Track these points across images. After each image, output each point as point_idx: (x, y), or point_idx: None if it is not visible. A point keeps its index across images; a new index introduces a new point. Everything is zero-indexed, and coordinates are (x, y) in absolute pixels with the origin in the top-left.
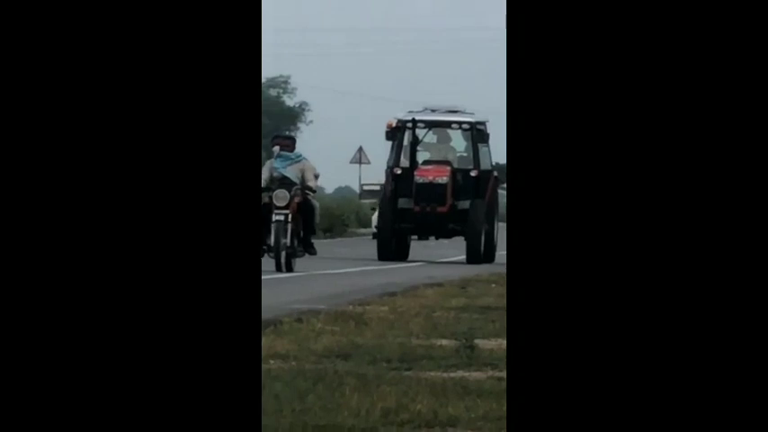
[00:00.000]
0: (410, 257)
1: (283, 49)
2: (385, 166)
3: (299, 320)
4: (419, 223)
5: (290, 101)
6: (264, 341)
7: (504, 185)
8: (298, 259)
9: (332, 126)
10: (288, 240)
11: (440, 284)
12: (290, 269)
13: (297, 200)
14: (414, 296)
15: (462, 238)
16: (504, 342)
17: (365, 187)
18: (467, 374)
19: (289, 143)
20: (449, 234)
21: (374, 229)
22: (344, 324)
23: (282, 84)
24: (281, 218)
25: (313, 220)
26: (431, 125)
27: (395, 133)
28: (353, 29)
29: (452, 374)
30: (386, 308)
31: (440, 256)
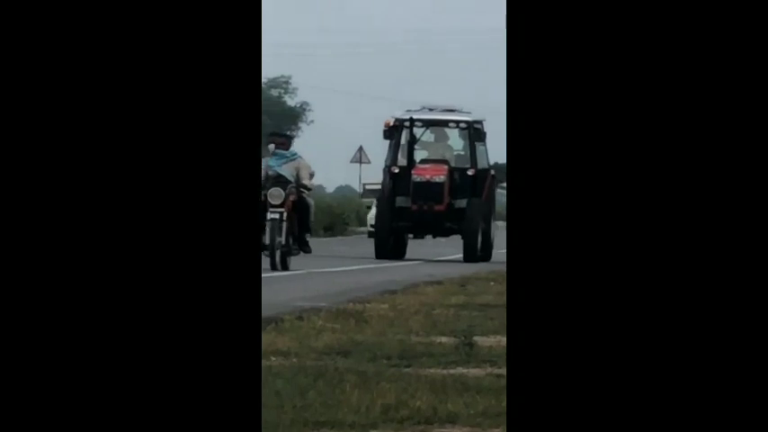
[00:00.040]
0: (407, 256)
1: (284, 50)
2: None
3: (301, 318)
4: (416, 222)
5: (291, 101)
6: (266, 338)
7: (503, 184)
8: (298, 257)
9: (332, 126)
10: (283, 239)
11: (439, 282)
12: (285, 267)
13: (292, 198)
14: (414, 294)
15: (459, 236)
16: (503, 339)
17: (367, 186)
18: (466, 371)
19: (284, 141)
20: (446, 233)
21: (370, 228)
22: (345, 321)
23: (283, 84)
24: (276, 216)
25: (308, 218)
26: (428, 124)
27: (392, 132)
28: (353, 30)
29: (452, 371)
30: (386, 305)
31: (436, 255)
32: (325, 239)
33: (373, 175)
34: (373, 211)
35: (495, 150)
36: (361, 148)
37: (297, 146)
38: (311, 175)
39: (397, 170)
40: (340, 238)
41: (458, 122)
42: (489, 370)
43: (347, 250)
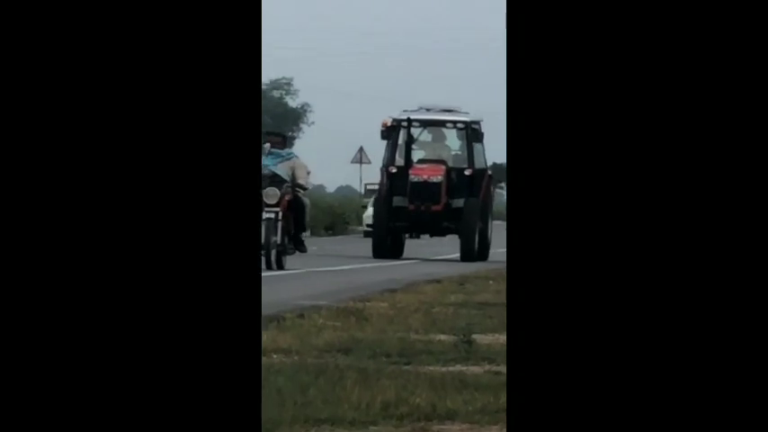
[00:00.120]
0: (404, 255)
1: (285, 52)
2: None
3: (302, 316)
4: (414, 221)
5: (292, 102)
6: (268, 336)
7: (501, 184)
8: (296, 257)
9: (333, 127)
10: (278, 238)
11: (438, 281)
12: (280, 267)
13: (287, 198)
14: (413, 292)
15: (456, 235)
16: (501, 337)
17: (368, 187)
18: (465, 369)
19: (279, 140)
20: (443, 232)
21: (366, 227)
22: (345, 319)
23: (285, 85)
24: (272, 216)
25: (303, 217)
26: (426, 124)
27: (390, 132)
28: (354, 31)
29: (451, 369)
30: (386, 304)
31: (433, 254)
32: (325, 239)
33: (374, 176)
34: (369, 210)
35: (491, 150)
36: (361, 149)
37: (298, 146)
38: (307, 175)
39: (394, 170)
40: (341, 237)
41: (455, 123)
42: (488, 367)
43: (344, 249)
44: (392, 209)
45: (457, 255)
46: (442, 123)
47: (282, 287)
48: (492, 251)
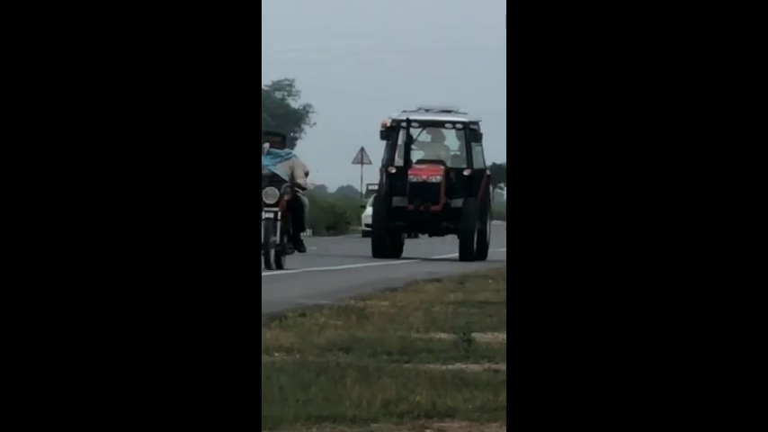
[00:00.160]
0: (403, 255)
1: (287, 54)
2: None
3: (303, 315)
4: (413, 221)
5: (294, 103)
6: (270, 335)
7: (500, 184)
8: (297, 257)
9: (335, 127)
10: (277, 238)
11: (438, 280)
12: (279, 266)
13: (286, 197)
14: (413, 291)
15: (454, 235)
16: (501, 335)
17: (370, 187)
18: (464, 367)
19: (278, 140)
20: (442, 232)
21: (364, 227)
22: (347, 318)
23: (287, 87)
24: (271, 215)
25: (302, 217)
26: (425, 125)
27: (389, 133)
28: (354, 31)
29: (450, 367)
30: (386, 303)
31: (432, 254)
32: (327, 239)
33: (375, 176)
34: (368, 210)
35: (490, 150)
36: (362, 149)
37: (300, 147)
38: (306, 174)
39: (393, 170)
40: (342, 237)
41: (454, 123)
42: (487, 365)
43: (345, 249)
44: (391, 209)
45: (455, 254)
46: (440, 124)
47: (282, 286)
48: (491, 250)
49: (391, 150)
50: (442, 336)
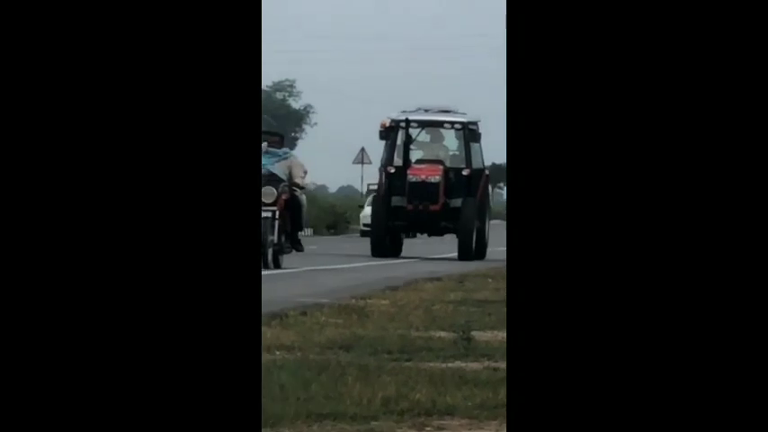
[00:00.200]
0: (402, 254)
1: (287, 54)
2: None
3: (304, 313)
4: (412, 221)
5: (295, 104)
6: (271, 333)
7: (500, 184)
8: (296, 256)
9: (335, 128)
10: (275, 237)
11: (438, 279)
12: (277, 266)
13: (284, 197)
14: (413, 290)
15: (453, 235)
16: (500, 334)
17: (370, 186)
18: (464, 365)
19: (276, 140)
20: (441, 232)
21: (362, 227)
22: (347, 317)
23: (288, 87)
24: (269, 215)
25: (300, 216)
26: (424, 125)
27: (388, 133)
28: (355, 31)
29: (450, 365)
30: (387, 301)
31: (431, 253)
32: (327, 238)
33: (375, 176)
34: (366, 210)
35: (489, 150)
36: (363, 150)
37: (301, 147)
38: (304, 174)
39: (392, 170)
40: (342, 236)
41: (453, 123)
42: (486, 364)
43: (344, 248)
44: (391, 208)
45: (454, 254)
46: (439, 124)
47: (283, 285)
48: (490, 250)
49: (390, 150)
50: (442, 334)
